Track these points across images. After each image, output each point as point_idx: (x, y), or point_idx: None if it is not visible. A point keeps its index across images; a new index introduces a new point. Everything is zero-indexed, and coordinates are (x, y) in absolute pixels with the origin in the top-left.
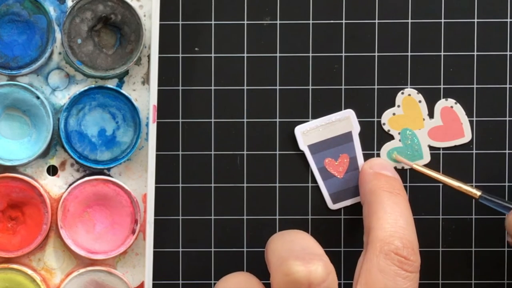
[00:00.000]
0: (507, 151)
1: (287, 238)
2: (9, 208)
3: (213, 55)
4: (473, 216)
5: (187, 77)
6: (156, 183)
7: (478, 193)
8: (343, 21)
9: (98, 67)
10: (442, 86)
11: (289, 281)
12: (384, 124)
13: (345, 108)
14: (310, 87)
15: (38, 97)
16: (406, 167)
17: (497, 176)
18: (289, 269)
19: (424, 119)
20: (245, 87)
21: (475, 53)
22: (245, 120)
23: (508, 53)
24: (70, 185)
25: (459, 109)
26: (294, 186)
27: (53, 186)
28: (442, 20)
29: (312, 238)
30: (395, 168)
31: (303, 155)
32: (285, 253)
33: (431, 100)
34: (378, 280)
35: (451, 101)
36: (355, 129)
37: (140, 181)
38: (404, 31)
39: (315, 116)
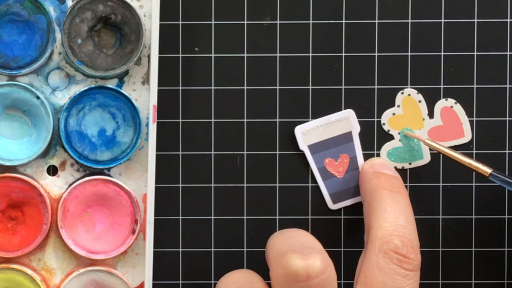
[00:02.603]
0: (507, 151)
1: (286, 234)
2: (9, 208)
3: (213, 55)
4: (473, 216)
5: (187, 77)
6: (156, 183)
7: (488, 170)
8: (343, 21)
9: (98, 67)
10: (442, 86)
11: (288, 274)
12: (384, 124)
13: (345, 108)
14: (310, 87)
15: (38, 97)
16: (406, 166)
17: (480, 162)
18: (288, 262)
19: (424, 119)
20: (245, 87)
21: (475, 53)
22: (245, 120)
23: (508, 53)
24: (70, 185)
25: (459, 109)
26: (294, 186)
27: (53, 186)
28: (442, 20)
29: (310, 234)
30: (395, 168)
31: (303, 155)
32: (283, 247)
33: (431, 100)
34: (377, 279)
35: (451, 101)
36: (355, 129)
37: (140, 181)
38: (404, 31)
39: (315, 116)
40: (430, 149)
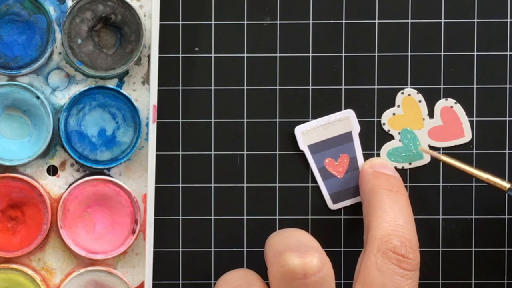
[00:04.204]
0: (507, 151)
1: (284, 233)
2: (9, 208)
3: (213, 55)
4: (473, 216)
5: (187, 77)
6: (156, 183)
7: (507, 185)
8: (343, 21)
9: (98, 67)
10: (442, 86)
11: (285, 272)
12: (384, 124)
13: (345, 108)
14: (310, 87)
15: (38, 97)
16: (406, 166)
17: (497, 176)
18: (285, 260)
19: (424, 119)
20: (245, 87)
21: (475, 53)
22: (245, 120)
23: (508, 53)
24: (70, 185)
25: (459, 109)
26: (294, 186)
27: (53, 186)
28: (442, 20)
29: (308, 234)
30: (395, 168)
31: (303, 155)
32: (281, 246)
33: (431, 100)
34: (376, 278)
35: (451, 101)
36: (355, 129)
37: (140, 181)
38: (404, 31)
39: (315, 116)
40: (431, 149)
